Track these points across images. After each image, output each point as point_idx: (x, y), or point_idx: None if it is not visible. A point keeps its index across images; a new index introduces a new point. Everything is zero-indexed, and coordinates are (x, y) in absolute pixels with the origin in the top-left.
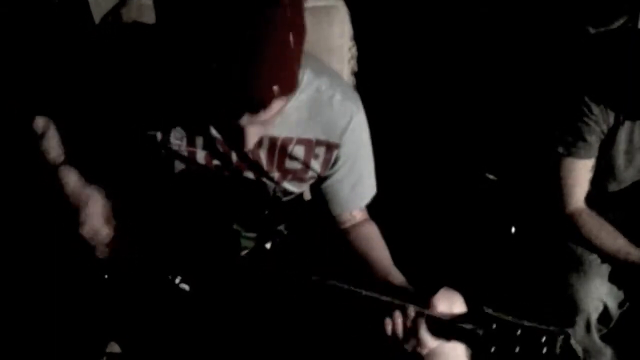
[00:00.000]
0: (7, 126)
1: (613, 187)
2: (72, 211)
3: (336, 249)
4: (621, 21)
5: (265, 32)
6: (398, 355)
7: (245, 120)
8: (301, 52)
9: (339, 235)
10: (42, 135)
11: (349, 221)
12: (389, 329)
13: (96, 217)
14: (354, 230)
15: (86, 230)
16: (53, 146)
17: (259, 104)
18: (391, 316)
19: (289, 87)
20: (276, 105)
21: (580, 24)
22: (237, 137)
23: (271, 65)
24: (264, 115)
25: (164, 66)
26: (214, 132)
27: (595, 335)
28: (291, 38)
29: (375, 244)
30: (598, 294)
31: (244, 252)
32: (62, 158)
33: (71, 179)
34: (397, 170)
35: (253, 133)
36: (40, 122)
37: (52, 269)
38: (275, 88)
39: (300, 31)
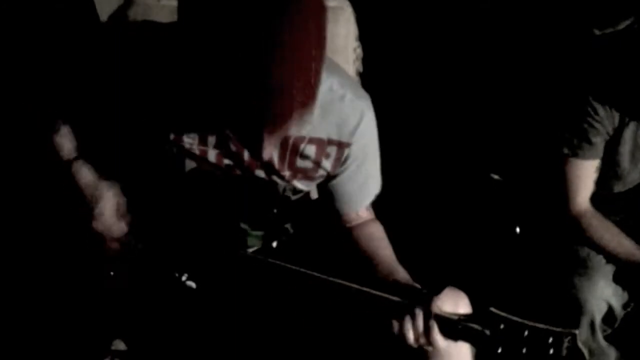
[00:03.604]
0: (18, 121)
1: (618, 187)
2: (85, 205)
3: (341, 248)
4: (627, 22)
5: (286, 46)
6: (401, 355)
7: (263, 133)
8: (321, 65)
9: (344, 234)
10: (56, 131)
11: (354, 220)
12: (396, 329)
13: (110, 212)
14: (360, 229)
15: (99, 225)
16: (66, 142)
17: (277, 121)
18: (399, 316)
19: (309, 101)
20: (295, 118)
21: (585, 25)
22: (253, 145)
23: (291, 81)
24: (282, 128)
25: (180, 67)
26: (227, 131)
27: (600, 336)
28: (312, 51)
29: (381, 243)
30: (603, 294)
31: (250, 251)
32: (75, 153)
33: (85, 173)
34: (401, 170)
35: (270, 142)
36: (53, 118)
37: (57, 265)
38: (295, 104)
39: (321, 44)
